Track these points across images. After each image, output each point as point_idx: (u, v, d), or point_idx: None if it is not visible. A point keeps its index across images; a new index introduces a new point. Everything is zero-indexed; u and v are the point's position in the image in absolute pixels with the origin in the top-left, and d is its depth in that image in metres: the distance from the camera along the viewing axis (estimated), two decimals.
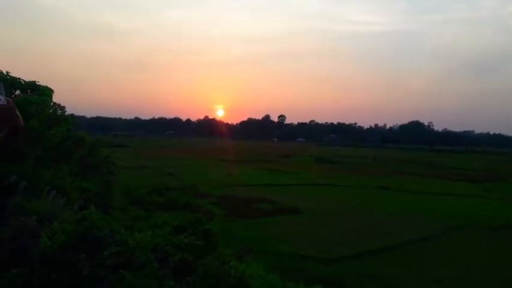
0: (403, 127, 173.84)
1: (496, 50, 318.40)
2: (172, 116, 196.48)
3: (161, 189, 33.99)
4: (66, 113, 14.47)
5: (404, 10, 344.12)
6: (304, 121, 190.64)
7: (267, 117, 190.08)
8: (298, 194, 38.05)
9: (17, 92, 10.49)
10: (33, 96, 9.70)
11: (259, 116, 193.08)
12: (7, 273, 3.01)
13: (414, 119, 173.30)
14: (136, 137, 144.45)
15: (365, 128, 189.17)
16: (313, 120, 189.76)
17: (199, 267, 4.96)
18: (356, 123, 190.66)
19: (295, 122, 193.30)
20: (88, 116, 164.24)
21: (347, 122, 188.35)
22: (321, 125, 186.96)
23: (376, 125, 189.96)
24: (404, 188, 43.84)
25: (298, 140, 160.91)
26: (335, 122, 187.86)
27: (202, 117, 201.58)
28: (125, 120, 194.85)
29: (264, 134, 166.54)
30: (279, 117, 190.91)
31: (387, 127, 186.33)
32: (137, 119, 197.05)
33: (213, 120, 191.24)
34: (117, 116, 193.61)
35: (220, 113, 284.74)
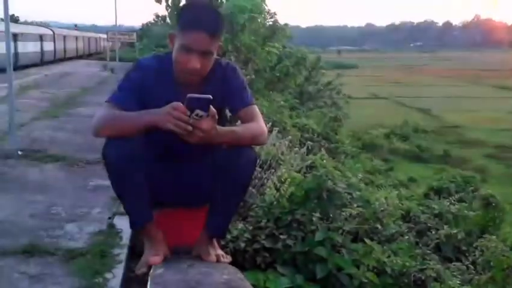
0: None
1: None
2: (421, 20, 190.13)
3: (406, 132, 34.09)
4: (278, 23, 15.79)
5: None
6: None
7: None
8: None
9: None
10: (243, 0, 10.72)
11: None
12: (233, 228, 3.64)
13: None
14: (367, 52, 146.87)
15: None
16: None
17: (475, 249, 4.89)
18: None
19: None
20: (303, 25, 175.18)
21: None
22: None
23: None
24: None
25: None
26: None
27: (469, 18, 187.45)
28: (352, 28, 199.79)
29: None
30: None
31: None
32: (369, 27, 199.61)
33: (488, 21, 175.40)
34: (341, 24, 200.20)
35: (500, 10, 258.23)
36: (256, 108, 2.33)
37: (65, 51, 38.19)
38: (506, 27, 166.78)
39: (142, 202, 2.22)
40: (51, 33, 35.59)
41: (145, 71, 2.26)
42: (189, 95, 1.92)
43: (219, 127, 2.03)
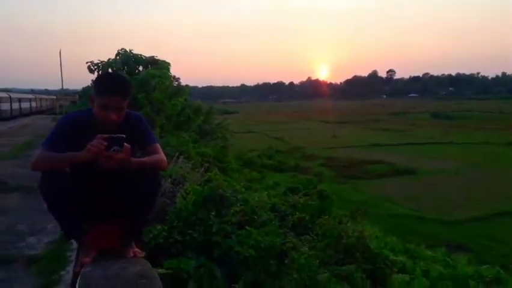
0: None
1: None
2: (275, 81, 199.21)
3: (270, 153, 35.15)
4: (181, 84, 15.70)
5: None
6: (417, 74, 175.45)
7: (374, 74, 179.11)
8: (413, 154, 35.68)
9: (140, 67, 11.74)
10: (154, 70, 10.71)
11: (365, 73, 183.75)
12: (154, 229, 3.45)
13: None
14: (242, 103, 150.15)
15: (490, 77, 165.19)
16: (427, 73, 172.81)
17: (316, 226, 5.08)
18: (478, 73, 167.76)
19: (407, 76, 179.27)
20: (200, 85, 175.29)
21: (467, 72, 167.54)
22: (437, 77, 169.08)
23: (504, 73, 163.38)
24: None
25: (410, 95, 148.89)
26: (453, 73, 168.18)
27: (304, 79, 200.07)
28: (232, 87, 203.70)
29: (371, 91, 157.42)
30: (387, 72, 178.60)
31: None
32: (243, 86, 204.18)
33: (316, 81, 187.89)
34: (225, 85, 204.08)
35: (323, 74, 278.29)
36: (158, 145, 2.25)
37: (41, 107, 42.89)
38: (326, 84, 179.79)
39: (72, 221, 2.11)
40: (34, 97, 41.17)
41: (71, 121, 2.14)
42: (109, 135, 1.86)
43: (132, 158, 1.97)
